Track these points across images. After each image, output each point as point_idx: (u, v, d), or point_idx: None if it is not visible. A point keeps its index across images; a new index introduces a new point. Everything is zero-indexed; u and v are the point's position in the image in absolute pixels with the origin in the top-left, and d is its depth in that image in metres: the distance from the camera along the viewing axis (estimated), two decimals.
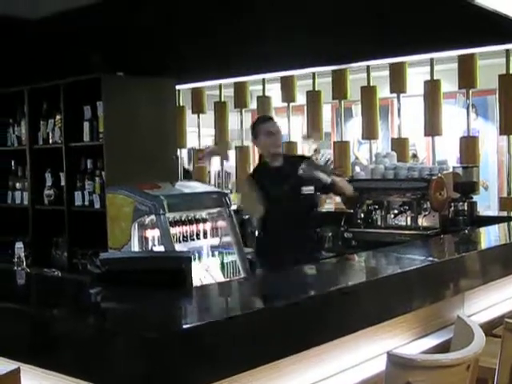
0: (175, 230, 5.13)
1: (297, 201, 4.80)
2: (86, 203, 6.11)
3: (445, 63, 7.69)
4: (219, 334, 2.12)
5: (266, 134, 4.87)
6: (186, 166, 10.27)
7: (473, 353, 1.97)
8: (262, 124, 4.94)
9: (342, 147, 8.10)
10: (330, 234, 6.08)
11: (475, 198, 5.80)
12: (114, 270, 2.69)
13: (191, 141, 9.80)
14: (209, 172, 11.07)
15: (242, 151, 9.08)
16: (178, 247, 5.06)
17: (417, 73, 8.08)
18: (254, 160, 11.56)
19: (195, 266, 4.94)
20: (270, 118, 5.10)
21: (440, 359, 1.94)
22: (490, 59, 7.48)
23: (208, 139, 10.06)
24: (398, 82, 7.62)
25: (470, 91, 7.27)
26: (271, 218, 4.82)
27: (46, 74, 6.21)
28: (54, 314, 2.35)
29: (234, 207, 5.72)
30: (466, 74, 7.15)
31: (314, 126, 8.27)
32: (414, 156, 10.01)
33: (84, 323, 2.24)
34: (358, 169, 6.38)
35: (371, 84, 7.86)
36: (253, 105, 9.42)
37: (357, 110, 9.51)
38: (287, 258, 4.41)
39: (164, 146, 6.29)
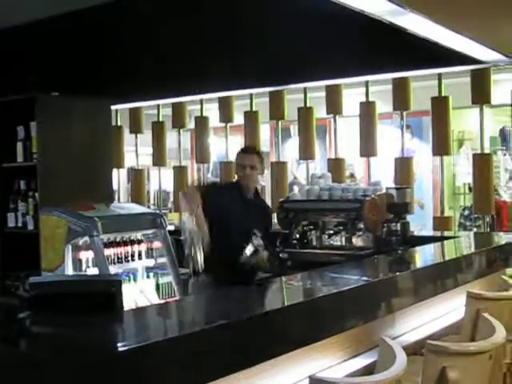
0: (109, 252, 5.14)
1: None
2: (20, 224, 6.03)
3: (380, 84, 7.84)
4: (152, 356, 2.13)
5: (236, 166, 4.76)
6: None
7: (394, 374, 2.01)
8: (238, 154, 4.79)
9: (279, 167, 8.16)
10: (268, 255, 6.07)
11: (411, 217, 5.86)
12: (43, 294, 2.67)
13: (129, 160, 9.75)
14: (148, 192, 11.03)
15: (179, 171, 9.06)
16: (113, 269, 5.06)
17: (353, 94, 8.21)
18: (192, 178, 11.63)
19: (130, 288, 5.02)
20: (247, 150, 4.89)
21: (361, 383, 1.98)
22: (423, 81, 7.65)
23: (146, 158, 10.05)
24: (334, 103, 7.74)
25: (405, 113, 7.42)
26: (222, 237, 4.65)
27: None
28: None
29: (170, 227, 5.73)
30: (401, 96, 7.31)
31: (251, 145, 8.30)
32: (352, 176, 10.14)
33: (10, 350, 2.22)
34: (296, 189, 6.48)
35: (308, 105, 7.96)
36: (191, 124, 9.45)
37: (295, 130, 9.60)
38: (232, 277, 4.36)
39: (99, 166, 6.27)
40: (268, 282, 3.69)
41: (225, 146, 8.77)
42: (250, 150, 4.88)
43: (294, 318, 2.86)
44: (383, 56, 6.09)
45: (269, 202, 8.19)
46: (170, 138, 9.41)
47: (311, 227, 6.06)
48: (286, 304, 3.10)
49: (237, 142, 9.96)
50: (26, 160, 5.95)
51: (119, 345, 2.32)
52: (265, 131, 9.87)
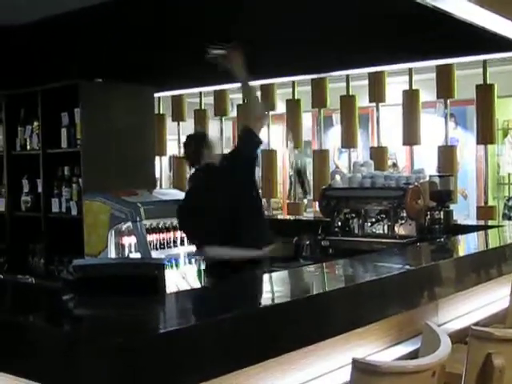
0: (152, 237, 5.23)
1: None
2: (63, 210, 6.10)
3: (424, 73, 7.73)
4: (191, 340, 2.12)
5: None
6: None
7: (438, 359, 1.98)
8: None
9: (321, 156, 8.11)
10: (308, 243, 6.09)
11: (453, 206, 5.82)
12: (86, 277, 2.68)
13: (171, 148, 9.79)
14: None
15: None
16: (155, 254, 5.15)
17: (396, 82, 8.12)
18: None
19: (172, 274, 5.09)
20: None
21: (404, 365, 1.95)
22: (468, 69, 7.54)
23: None
24: (377, 92, 7.65)
25: (448, 101, 7.31)
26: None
27: (24, 81, 6.20)
28: (21, 321, 2.33)
29: None
30: (444, 84, 7.19)
31: (294, 135, 8.29)
32: (394, 165, 10.07)
33: (54, 330, 2.23)
34: (338, 177, 6.40)
35: (351, 93, 7.89)
36: (233, 113, 9.42)
37: (337, 118, 9.52)
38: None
39: (142, 153, 6.31)
40: (309, 267, 3.66)
41: (266, 135, 8.73)
42: None
43: (336, 303, 2.84)
44: (427, 42, 6.00)
45: (311, 190, 8.21)
46: (212, 126, 9.38)
47: (353, 215, 6.06)
48: (327, 289, 3.09)
49: (279, 131, 9.95)
50: (70, 146, 6.01)
51: (160, 326, 2.32)
52: (307, 120, 9.84)
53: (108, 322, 2.29)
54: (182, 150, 4.88)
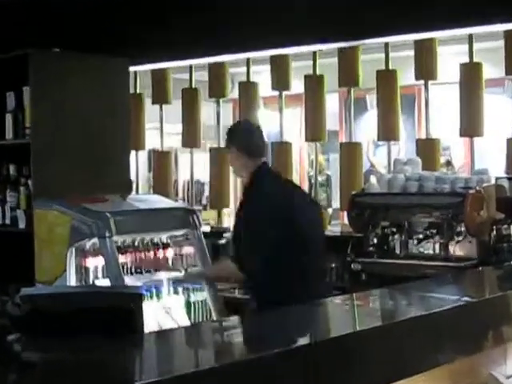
0: (125, 259, 5.22)
1: None
2: (7, 221, 6.08)
3: (488, 40, 7.74)
4: None
5: None
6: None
7: None
8: None
9: (351, 151, 8.12)
10: (333, 265, 6.09)
11: None
12: (38, 311, 2.71)
13: (151, 140, 9.82)
14: (175, 182, 11.04)
15: (218, 155, 9.05)
16: (130, 281, 5.13)
17: (451, 53, 8.14)
18: None
19: (152, 306, 5.06)
20: None
21: None
22: None
23: (174, 138, 10.06)
24: (425, 65, 7.63)
25: None
26: None
27: None
28: None
29: (205, 228, 5.79)
30: None
31: (314, 122, 8.31)
32: (448, 163, 10.03)
33: None
34: (373, 179, 6.48)
35: (390, 67, 7.89)
36: (234, 93, 9.43)
37: (372, 101, 9.57)
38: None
39: (113, 146, 6.30)
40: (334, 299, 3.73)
41: (279, 122, 8.73)
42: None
43: (369, 347, 2.85)
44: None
45: (337, 196, 8.20)
46: (206, 110, 9.42)
47: (394, 230, 6.10)
48: (357, 329, 3.12)
49: (295, 117, 9.93)
50: (17, 137, 5.99)
51: (136, 378, 2.31)
52: (332, 102, 9.81)
53: (64, 371, 2.28)
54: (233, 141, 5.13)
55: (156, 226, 5.39)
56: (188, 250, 5.44)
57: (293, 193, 5.12)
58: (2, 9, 6.06)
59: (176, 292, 5.34)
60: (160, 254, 5.32)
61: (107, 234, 5.10)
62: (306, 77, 8.44)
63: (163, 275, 5.33)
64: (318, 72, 8.36)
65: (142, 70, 9.29)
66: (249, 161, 5.00)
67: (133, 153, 8.59)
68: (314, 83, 8.35)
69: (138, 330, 2.74)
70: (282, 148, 8.53)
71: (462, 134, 7.53)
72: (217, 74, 8.99)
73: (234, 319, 4.38)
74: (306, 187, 11.41)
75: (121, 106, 6.50)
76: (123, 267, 5.16)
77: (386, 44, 7.86)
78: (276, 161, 8.42)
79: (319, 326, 3.28)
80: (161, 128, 9.60)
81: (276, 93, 8.77)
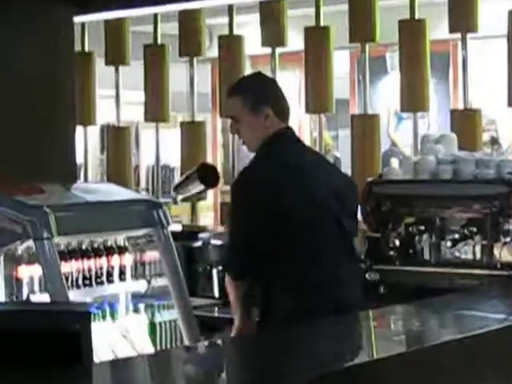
0: (70, 267, 5.25)
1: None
2: None
3: None
4: None
5: None
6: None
7: None
8: None
9: (366, 124, 8.15)
10: None
11: None
12: None
13: (105, 113, 9.94)
14: (136, 167, 11.06)
15: (192, 131, 9.17)
16: (75, 296, 5.13)
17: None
18: (214, 145, 11.64)
19: (104, 329, 5.14)
20: (229, 92, 5.25)
21: None
22: None
23: (134, 109, 10.04)
24: (462, 14, 7.62)
25: None
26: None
27: None
28: None
29: (175, 227, 6.05)
30: None
31: (318, 88, 8.24)
32: (493, 142, 10.14)
33: None
34: (394, 163, 6.65)
35: (417, 16, 7.86)
36: (213, 51, 9.55)
37: (393, 60, 9.66)
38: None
39: (53, 121, 6.38)
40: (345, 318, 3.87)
41: None
42: (232, 89, 5.19)
43: (388, 380, 2.93)
44: None
45: None
46: (177, 73, 9.40)
47: (421, 228, 6.12)
48: (374, 357, 3.22)
49: (292, 81, 9.91)
50: None
51: None
52: (342, 62, 9.87)
53: None
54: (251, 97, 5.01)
55: (110, 224, 5.39)
56: (152, 255, 5.49)
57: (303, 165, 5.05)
58: None
59: (136, 310, 5.39)
60: (115, 260, 5.34)
61: (46, 235, 5.04)
62: (306, 29, 8.49)
63: (119, 289, 5.38)
64: (322, 23, 8.38)
65: (91, 21, 9.34)
66: (279, 125, 4.99)
67: (80, 129, 8.79)
68: (318, 37, 8.37)
69: (86, 358, 2.76)
70: None
71: (510, 104, 7.50)
72: (190, 26, 9.05)
73: (211, 345, 4.41)
74: None
75: (63, 69, 6.60)
76: (67, 278, 5.16)
77: None
78: None
79: (325, 354, 3.31)
80: (116, 96, 9.65)
81: (268, 50, 8.80)
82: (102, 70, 9.54)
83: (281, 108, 5.02)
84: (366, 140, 8.02)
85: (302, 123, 11.32)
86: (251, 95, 4.99)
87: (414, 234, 6.08)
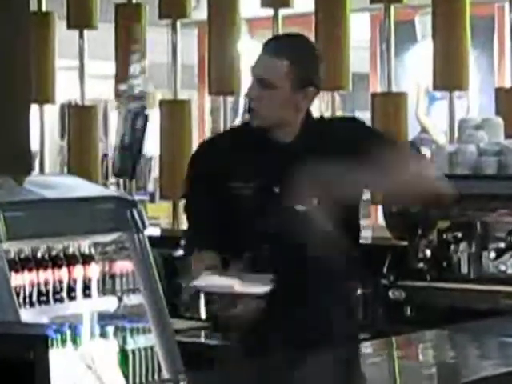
0: (22, 280, 5.24)
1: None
2: None
3: None
4: None
5: None
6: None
7: None
8: None
9: (390, 105, 8.22)
10: (362, 292, 6.14)
11: None
12: None
13: (66, 88, 9.90)
14: (105, 156, 11.13)
15: (174, 111, 9.22)
16: (28, 316, 5.13)
17: None
18: (202, 129, 11.68)
19: (64, 357, 5.07)
20: (267, 46, 5.14)
21: None
22: None
23: (102, 84, 10.11)
24: None
25: None
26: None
27: None
28: None
29: (152, 231, 6.10)
30: None
31: (330, 60, 8.30)
32: None
33: None
34: (426, 152, 6.52)
35: None
36: (199, 12, 9.59)
37: (424, 26, 9.70)
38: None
39: (1, 97, 6.37)
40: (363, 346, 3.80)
41: None
42: (280, 48, 5.06)
43: None
44: None
45: None
46: (156, 40, 9.50)
47: (458, 235, 6.16)
48: None
49: None
50: None
51: None
52: (360, 28, 9.88)
53: None
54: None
55: (72, 226, 5.41)
56: (124, 266, 5.52)
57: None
58: None
59: (104, 334, 5.38)
60: (78, 272, 5.37)
61: None
62: None
63: (83, 307, 5.40)
64: None
65: None
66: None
67: (35, 108, 8.76)
68: None
69: None
70: None
71: None
72: None
73: (196, 379, 4.57)
74: None
75: (15, 33, 6.57)
76: (18, 294, 5.18)
77: None
78: None
79: None
80: (81, 68, 9.71)
81: (269, 11, 8.88)
82: (63, 35, 9.56)
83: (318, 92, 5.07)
84: (389, 124, 8.03)
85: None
86: (304, 68, 4.94)
87: (448, 243, 6.14)
